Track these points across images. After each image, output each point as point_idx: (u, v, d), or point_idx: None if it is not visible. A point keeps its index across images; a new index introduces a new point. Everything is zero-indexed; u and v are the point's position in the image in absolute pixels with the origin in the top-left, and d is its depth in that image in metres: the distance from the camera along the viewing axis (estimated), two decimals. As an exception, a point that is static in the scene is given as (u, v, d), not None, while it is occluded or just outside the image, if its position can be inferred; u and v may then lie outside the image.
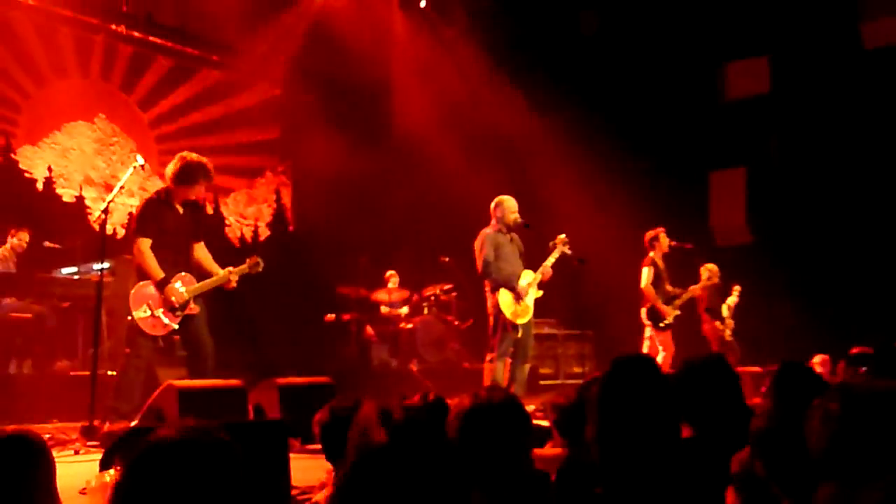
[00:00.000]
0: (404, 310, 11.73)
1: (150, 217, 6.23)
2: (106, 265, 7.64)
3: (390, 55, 13.94)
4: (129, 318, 6.04)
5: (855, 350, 6.19)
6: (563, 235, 7.70)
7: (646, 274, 9.34)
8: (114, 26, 11.42)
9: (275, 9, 12.73)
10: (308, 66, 13.25)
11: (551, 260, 7.61)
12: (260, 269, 6.45)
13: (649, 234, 9.59)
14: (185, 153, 6.45)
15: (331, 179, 13.30)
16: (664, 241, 9.48)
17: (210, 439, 1.78)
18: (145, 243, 6.15)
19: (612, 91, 13.27)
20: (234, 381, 5.81)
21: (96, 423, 5.66)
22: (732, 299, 10.50)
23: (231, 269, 6.38)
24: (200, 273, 6.40)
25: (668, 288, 9.47)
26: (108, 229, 9.61)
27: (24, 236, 8.82)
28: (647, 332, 9.42)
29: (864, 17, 11.89)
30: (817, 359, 8.93)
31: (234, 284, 6.40)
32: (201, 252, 6.52)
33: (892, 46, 11.61)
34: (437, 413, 3.19)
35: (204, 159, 6.41)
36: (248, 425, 4.65)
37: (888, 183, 11.53)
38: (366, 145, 12.87)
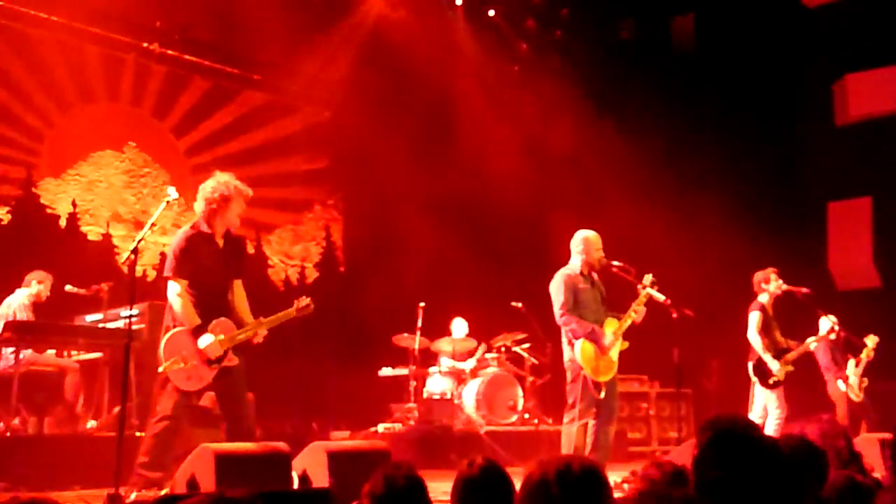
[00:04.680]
0: (470, 363, 11.70)
1: (190, 254, 6.23)
2: (135, 311, 7.76)
3: (455, 73, 14.00)
4: (160, 370, 6.09)
5: None
6: (650, 276, 7.50)
7: (753, 321, 9.19)
8: (146, 44, 11.68)
9: (325, 22, 12.87)
10: (362, 86, 13.34)
11: (639, 306, 7.47)
12: (310, 312, 6.37)
13: (758, 275, 9.45)
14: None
15: (387, 214, 13.38)
16: (776, 284, 9.33)
17: None
18: (181, 285, 6.16)
19: (710, 109, 13.20)
20: (277, 445, 5.84)
21: (122, 490, 5.71)
22: (866, 353, 10.00)
23: (262, 319, 6.30)
24: (239, 317, 6.40)
25: (780, 339, 9.30)
26: (138, 271, 9.82)
27: (46, 284, 8.95)
28: (755, 389, 9.25)
29: None
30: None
31: (259, 339, 6.32)
32: (238, 294, 6.49)
33: None
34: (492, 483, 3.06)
35: (231, 175, 6.47)
36: (293, 495, 4.67)
37: None
38: (427, 174, 12.89)
